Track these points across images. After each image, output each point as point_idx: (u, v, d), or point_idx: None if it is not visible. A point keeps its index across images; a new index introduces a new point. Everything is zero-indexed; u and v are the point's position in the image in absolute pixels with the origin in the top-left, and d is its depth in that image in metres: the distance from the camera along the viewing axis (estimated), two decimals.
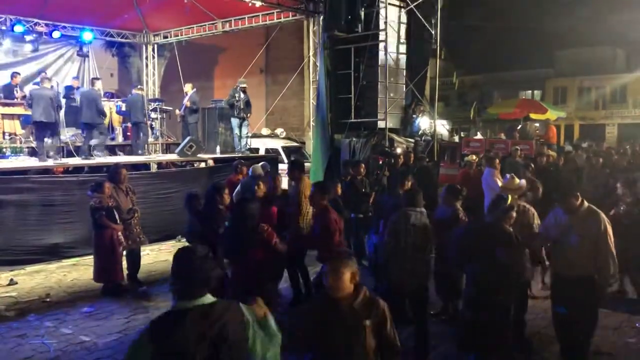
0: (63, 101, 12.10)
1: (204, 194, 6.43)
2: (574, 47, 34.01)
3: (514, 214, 4.84)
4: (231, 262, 5.19)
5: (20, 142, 11.74)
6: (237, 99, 12.77)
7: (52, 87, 10.99)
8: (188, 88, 14.01)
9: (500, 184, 7.20)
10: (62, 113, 11.33)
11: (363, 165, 9.31)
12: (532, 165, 9.37)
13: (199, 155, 12.41)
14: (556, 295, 4.98)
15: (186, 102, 13.79)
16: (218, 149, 13.55)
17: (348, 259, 3.24)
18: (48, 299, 7.28)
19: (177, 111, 14.33)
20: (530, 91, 36.58)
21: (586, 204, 4.75)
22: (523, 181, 6.45)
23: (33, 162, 10.52)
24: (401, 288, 5.24)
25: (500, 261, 4.41)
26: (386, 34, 12.43)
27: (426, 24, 13.23)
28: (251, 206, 5.08)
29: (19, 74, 13.00)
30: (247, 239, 4.94)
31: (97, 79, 12.97)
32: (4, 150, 11.41)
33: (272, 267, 5.24)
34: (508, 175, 6.56)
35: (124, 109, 14.00)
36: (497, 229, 4.65)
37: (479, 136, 22.45)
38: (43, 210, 9.02)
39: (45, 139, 10.42)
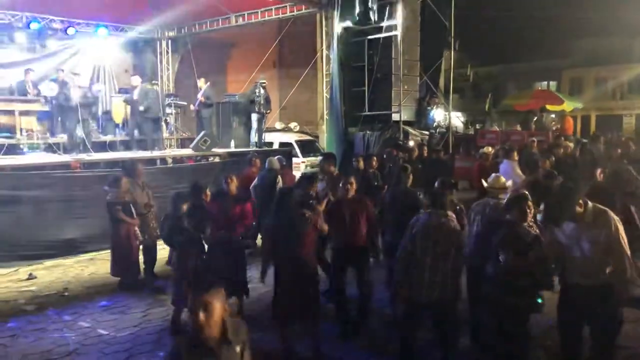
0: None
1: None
2: (591, 37, 33.51)
3: (530, 211, 4.58)
4: (283, 248, 5.22)
5: (37, 138, 11.86)
6: (257, 94, 12.93)
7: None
8: (202, 83, 14.06)
9: (521, 175, 6.90)
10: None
11: (375, 158, 9.27)
12: (553, 158, 9.25)
13: (213, 150, 12.45)
14: (567, 305, 4.51)
15: (200, 97, 13.85)
16: (232, 143, 13.59)
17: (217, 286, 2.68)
18: (66, 293, 7.37)
19: (192, 106, 14.40)
20: (545, 82, 36.14)
21: (590, 205, 4.26)
22: (510, 182, 6.14)
23: (50, 158, 10.64)
24: (417, 301, 4.73)
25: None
26: (400, 26, 12.35)
27: (440, 16, 13.12)
28: (295, 194, 5.40)
29: (32, 70, 13.12)
30: (300, 224, 5.17)
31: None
32: (21, 146, 11.54)
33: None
34: (493, 175, 6.21)
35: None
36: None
37: (494, 128, 22.26)
38: (60, 206, 9.12)
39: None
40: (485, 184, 6.11)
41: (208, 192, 6.53)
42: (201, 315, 2.53)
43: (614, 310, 4.34)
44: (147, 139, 12.60)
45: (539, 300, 4.49)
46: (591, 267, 4.25)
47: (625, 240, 4.26)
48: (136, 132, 12.68)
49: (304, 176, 7.92)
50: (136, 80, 12.76)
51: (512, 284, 4.41)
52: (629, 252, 4.25)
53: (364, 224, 5.86)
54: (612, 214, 4.31)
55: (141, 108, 12.12)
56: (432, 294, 4.63)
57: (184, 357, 2.60)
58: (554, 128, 18.03)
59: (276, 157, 9.27)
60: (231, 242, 6.25)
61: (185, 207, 6.07)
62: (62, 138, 11.88)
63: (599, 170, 7.43)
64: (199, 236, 6.06)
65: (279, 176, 8.70)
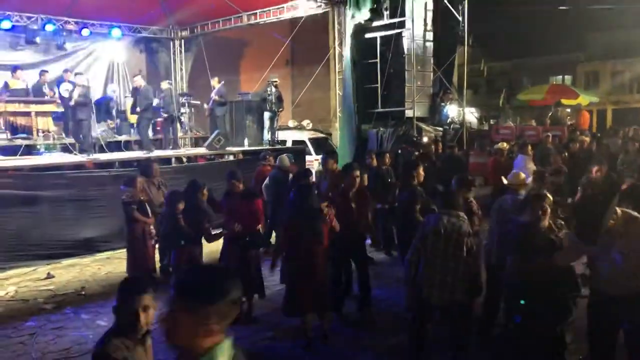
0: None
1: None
2: (606, 30, 33.07)
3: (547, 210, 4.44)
4: (299, 242, 5.31)
5: (54, 139, 11.99)
6: (268, 93, 12.99)
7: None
8: (215, 82, 14.12)
9: (534, 170, 6.84)
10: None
11: (388, 155, 9.24)
12: (566, 153, 9.16)
13: (227, 148, 12.50)
14: (595, 313, 4.26)
15: (214, 95, 13.91)
16: (246, 141, 13.64)
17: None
18: (84, 292, 7.45)
19: (205, 105, 14.47)
20: (560, 76, 35.78)
21: (619, 211, 3.94)
22: (529, 176, 6.14)
23: (66, 158, 10.75)
24: (428, 302, 4.71)
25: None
26: (412, 21, 12.28)
27: (453, 10, 13.03)
28: (311, 191, 5.61)
29: (47, 72, 13.27)
30: (317, 217, 5.36)
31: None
32: (38, 147, 11.66)
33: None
34: (513, 171, 6.18)
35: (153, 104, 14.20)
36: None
37: (509, 123, 22.08)
38: (77, 205, 9.22)
39: None
40: (505, 181, 6.04)
41: (205, 192, 6.60)
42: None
43: None
44: (162, 139, 12.73)
45: (522, 302, 4.28)
46: (622, 277, 4.00)
47: None
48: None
49: (300, 170, 8.05)
50: (139, 80, 12.91)
51: (523, 286, 4.31)
52: None
53: (365, 215, 6.16)
54: None
55: (138, 109, 12.30)
56: (443, 295, 4.61)
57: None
58: (569, 123, 17.84)
59: (285, 155, 9.27)
60: (246, 239, 6.24)
61: (181, 205, 6.08)
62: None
63: (595, 168, 7.21)
64: (195, 234, 6.06)
65: (290, 174, 8.71)
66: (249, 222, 6.19)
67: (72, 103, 11.24)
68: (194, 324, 1.81)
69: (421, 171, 6.93)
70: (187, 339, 1.84)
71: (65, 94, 11.74)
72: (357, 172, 6.25)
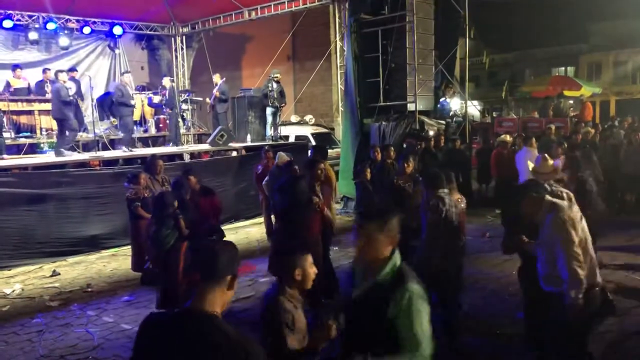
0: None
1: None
2: (608, 20, 32.90)
3: None
4: (290, 230, 5.50)
5: (56, 137, 12.00)
6: (270, 89, 12.99)
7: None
8: (217, 78, 14.13)
9: (531, 166, 6.23)
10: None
11: (392, 149, 9.23)
12: (565, 144, 9.09)
13: (230, 145, 12.52)
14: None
15: (215, 92, 13.92)
16: (249, 137, 13.65)
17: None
18: (89, 289, 7.50)
19: (207, 99, 14.49)
20: (563, 68, 35.63)
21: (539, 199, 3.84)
22: (558, 161, 5.77)
23: (70, 156, 10.76)
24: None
25: None
26: (413, 14, 12.22)
27: (454, 3, 12.96)
28: (303, 183, 5.71)
29: (49, 69, 13.30)
30: (306, 208, 5.58)
31: (126, 72, 13.23)
32: (42, 145, 11.70)
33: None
34: (540, 156, 5.73)
35: (155, 101, 14.22)
36: None
37: (511, 115, 22.03)
38: (81, 203, 9.27)
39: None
40: (530, 168, 5.80)
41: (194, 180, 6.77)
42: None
43: None
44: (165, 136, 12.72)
45: None
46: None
47: None
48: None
49: (287, 162, 8.26)
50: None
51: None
52: None
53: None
54: None
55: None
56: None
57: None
58: (572, 114, 17.78)
59: (280, 152, 9.26)
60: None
61: (175, 203, 5.98)
62: (80, 136, 12.02)
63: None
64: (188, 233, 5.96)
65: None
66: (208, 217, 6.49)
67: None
68: (382, 238, 2.55)
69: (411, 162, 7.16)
70: (375, 252, 2.57)
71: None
72: (322, 166, 6.41)
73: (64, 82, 10.80)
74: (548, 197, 3.83)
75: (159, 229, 5.61)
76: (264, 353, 2.15)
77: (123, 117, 11.83)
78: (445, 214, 4.87)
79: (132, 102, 12.06)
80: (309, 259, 3.02)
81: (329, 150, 14.15)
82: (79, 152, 11.07)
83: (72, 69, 13.24)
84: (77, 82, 12.71)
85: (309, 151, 9.05)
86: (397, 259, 2.59)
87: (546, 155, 5.82)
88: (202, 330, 2.05)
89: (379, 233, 2.56)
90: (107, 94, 15.21)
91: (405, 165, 6.97)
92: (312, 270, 3.00)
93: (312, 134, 15.64)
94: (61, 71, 11.09)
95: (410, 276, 2.55)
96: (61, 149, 10.53)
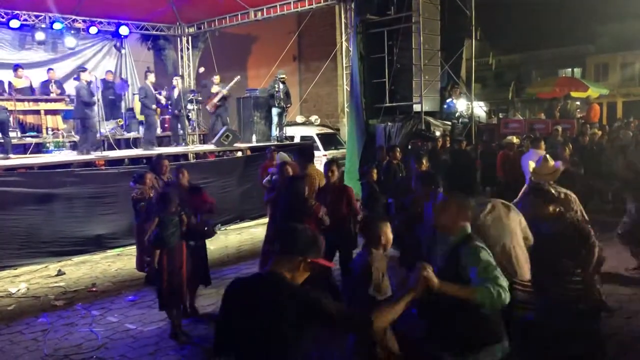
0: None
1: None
2: (616, 21, 32.72)
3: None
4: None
5: (63, 137, 12.05)
6: (276, 89, 13.01)
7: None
8: (217, 80, 14.13)
9: (531, 167, 5.99)
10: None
11: (398, 149, 9.21)
12: (570, 146, 9.01)
13: (235, 145, 12.52)
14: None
15: (225, 91, 13.90)
16: (254, 137, 13.64)
17: None
18: (94, 289, 7.50)
19: (217, 97, 14.44)
20: (570, 69, 35.46)
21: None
22: (559, 163, 5.58)
23: (75, 156, 10.80)
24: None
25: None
26: (420, 15, 12.19)
27: (460, 4, 12.91)
28: (300, 184, 5.74)
29: (52, 69, 13.35)
30: (302, 209, 5.57)
31: (148, 71, 13.27)
32: (48, 145, 11.73)
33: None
34: (541, 156, 5.56)
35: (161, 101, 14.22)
36: None
37: (518, 117, 21.92)
38: (87, 203, 9.28)
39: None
40: (531, 169, 5.63)
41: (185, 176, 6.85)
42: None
43: None
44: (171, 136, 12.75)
45: None
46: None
47: None
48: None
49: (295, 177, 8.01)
50: (152, 77, 12.97)
51: None
52: None
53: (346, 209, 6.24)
54: None
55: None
56: None
57: None
58: (579, 116, 17.68)
59: (280, 153, 9.19)
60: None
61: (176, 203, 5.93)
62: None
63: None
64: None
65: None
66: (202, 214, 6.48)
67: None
68: (458, 210, 3.22)
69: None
70: (451, 222, 3.21)
71: (74, 92, 11.76)
72: (314, 175, 6.60)
73: (86, 81, 10.95)
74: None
75: (163, 228, 5.58)
76: (322, 302, 2.50)
77: (147, 117, 12.33)
78: None
79: (154, 105, 12.43)
80: (389, 225, 3.75)
81: (334, 152, 14.27)
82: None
83: (83, 69, 13.25)
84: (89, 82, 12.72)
85: (292, 155, 8.70)
86: (468, 228, 3.21)
87: (547, 155, 5.72)
88: (275, 286, 2.51)
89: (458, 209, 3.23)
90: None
91: (418, 165, 6.93)
92: (391, 236, 3.75)
93: (318, 135, 15.63)
94: (84, 70, 11.29)
95: (475, 238, 3.18)
96: (86, 149, 10.78)
